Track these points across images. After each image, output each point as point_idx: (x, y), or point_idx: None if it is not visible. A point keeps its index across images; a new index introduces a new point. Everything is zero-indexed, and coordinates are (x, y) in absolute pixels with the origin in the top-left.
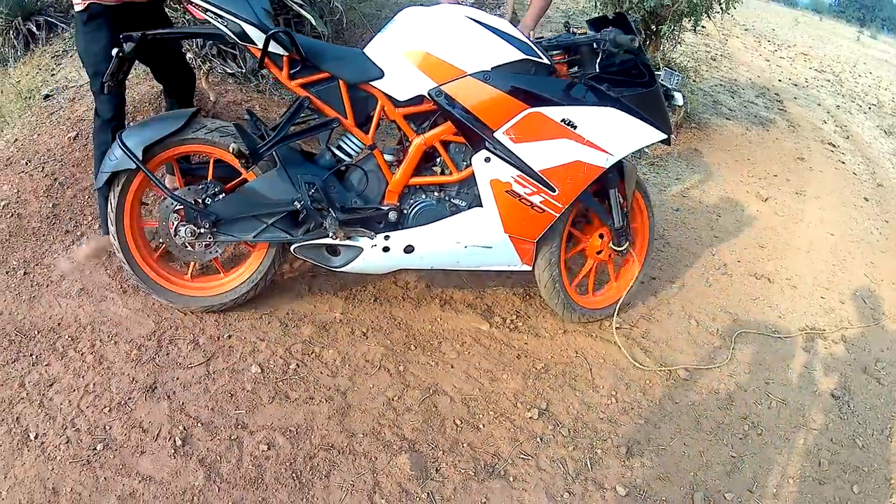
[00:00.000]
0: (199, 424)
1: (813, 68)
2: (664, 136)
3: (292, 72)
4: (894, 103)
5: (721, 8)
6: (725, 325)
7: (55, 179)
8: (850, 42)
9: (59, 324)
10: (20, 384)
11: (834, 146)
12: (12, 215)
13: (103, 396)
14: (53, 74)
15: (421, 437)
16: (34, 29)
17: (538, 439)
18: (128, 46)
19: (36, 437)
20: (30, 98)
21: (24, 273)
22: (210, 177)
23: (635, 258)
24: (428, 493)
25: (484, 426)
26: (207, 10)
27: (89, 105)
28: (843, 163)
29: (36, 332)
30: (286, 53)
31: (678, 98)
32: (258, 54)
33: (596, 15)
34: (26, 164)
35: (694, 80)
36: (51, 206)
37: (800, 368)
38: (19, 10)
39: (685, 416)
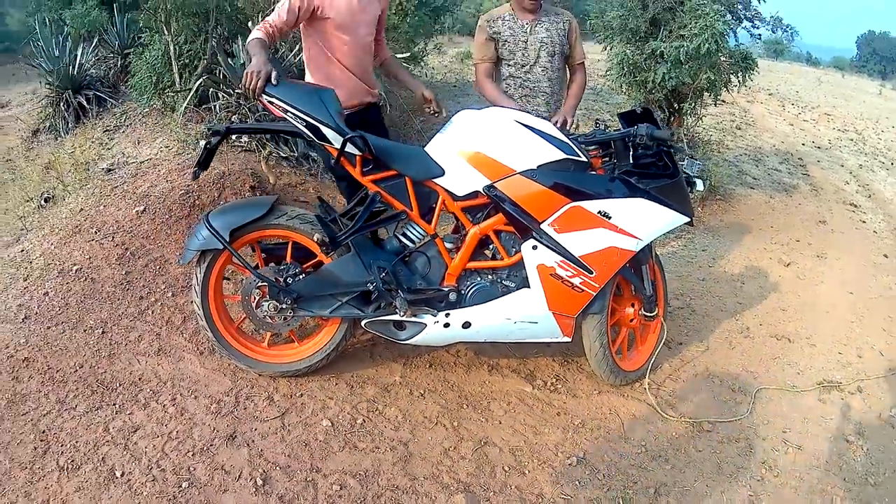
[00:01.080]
0: (277, 468)
1: (836, 128)
2: (687, 220)
3: (365, 169)
4: None
5: (739, 80)
6: (746, 382)
7: (126, 249)
8: (872, 97)
9: (139, 378)
10: (104, 429)
11: (855, 206)
12: (86, 279)
13: (186, 442)
14: (109, 148)
15: (474, 480)
16: (84, 102)
17: (577, 482)
18: (214, 139)
19: (122, 476)
20: (87, 169)
21: (102, 332)
22: (289, 258)
23: (662, 323)
24: None
25: (529, 472)
26: (287, 111)
27: (152, 181)
28: (864, 222)
29: (118, 385)
30: (360, 153)
31: (700, 185)
32: (334, 153)
33: (623, 107)
34: (95, 232)
35: (719, 152)
36: (123, 273)
37: (816, 418)
38: (69, 84)
39: (707, 462)
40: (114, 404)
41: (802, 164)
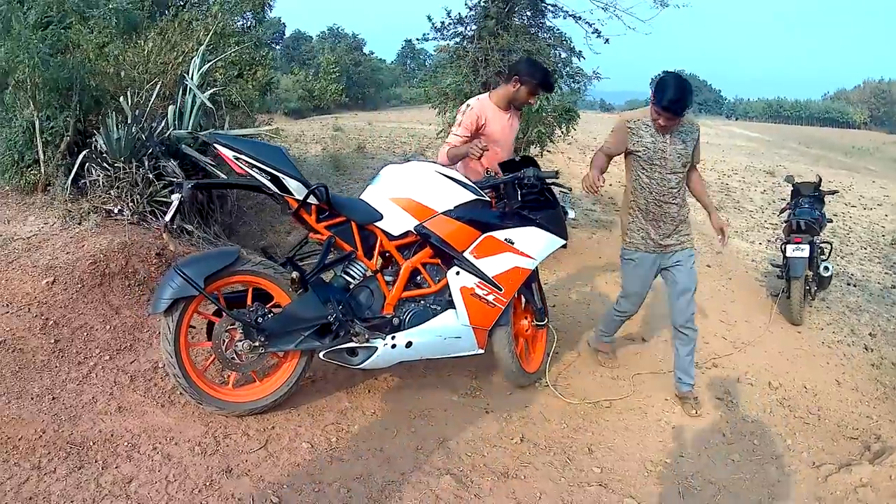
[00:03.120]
0: (284, 487)
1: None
2: (564, 242)
3: (320, 217)
4: (720, 181)
5: (563, 132)
6: (621, 371)
7: (46, 319)
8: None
9: (112, 435)
10: (97, 485)
11: None
12: (14, 350)
13: (186, 483)
14: None
15: (450, 466)
16: None
17: (526, 454)
18: (186, 193)
19: None
20: None
21: (53, 398)
22: (249, 302)
23: (551, 329)
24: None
25: (488, 454)
26: (253, 164)
27: (50, 254)
28: None
29: (91, 444)
30: (318, 203)
31: (571, 213)
32: (294, 204)
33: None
34: (8, 306)
35: None
36: (52, 341)
37: None
38: None
39: (618, 426)
40: (95, 461)
41: (614, 203)
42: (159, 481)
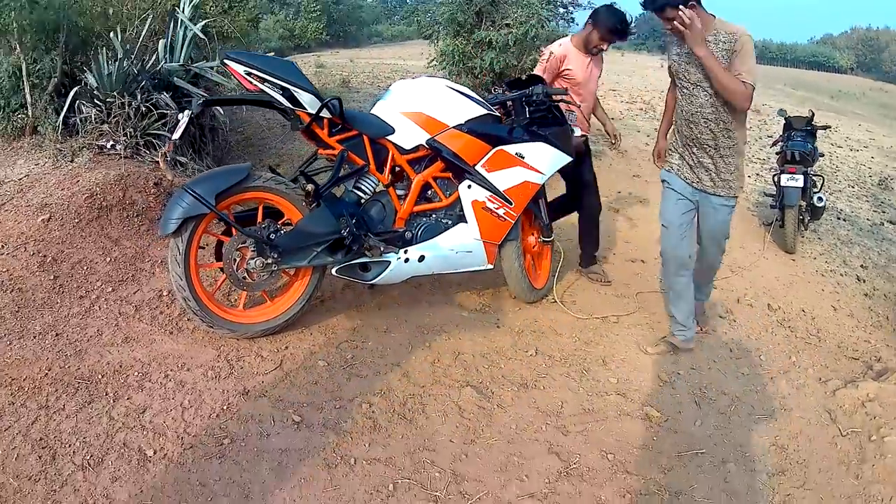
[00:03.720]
0: (304, 406)
1: (624, 101)
2: (570, 159)
3: (332, 131)
4: None
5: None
6: (623, 290)
7: (44, 256)
8: (654, 70)
9: (120, 366)
10: (109, 418)
11: None
12: (13, 290)
13: (203, 408)
14: None
15: (468, 378)
16: None
17: (542, 366)
18: (196, 108)
19: (156, 454)
20: None
21: (56, 335)
22: (260, 219)
23: (560, 247)
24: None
25: (504, 365)
26: (265, 79)
27: (44, 193)
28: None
29: (100, 377)
30: (330, 116)
31: (577, 131)
32: (306, 118)
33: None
34: (3, 246)
35: None
36: (51, 278)
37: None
38: None
39: (630, 339)
40: (105, 394)
41: (603, 134)
42: (174, 408)
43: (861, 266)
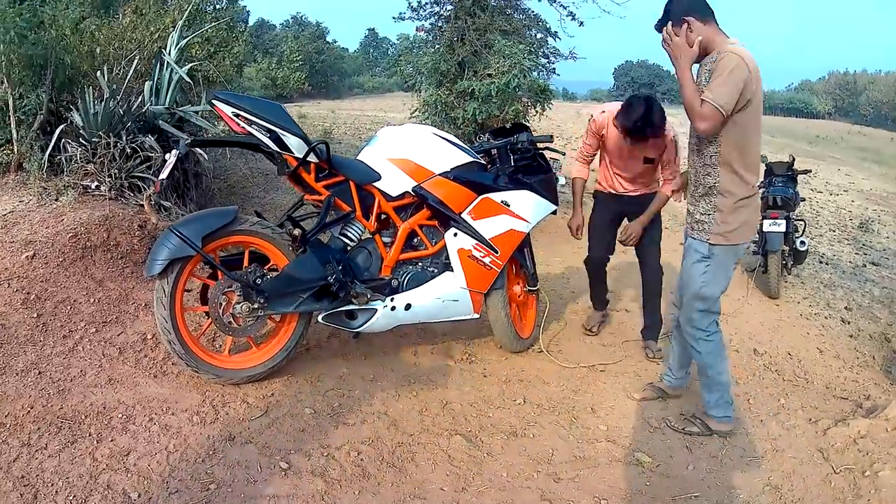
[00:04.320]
0: (291, 453)
1: None
2: (555, 208)
3: (319, 176)
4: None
5: (538, 111)
6: (610, 339)
7: (27, 294)
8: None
9: (104, 407)
10: (93, 459)
11: None
12: None
13: (188, 452)
14: None
15: (457, 427)
16: None
17: (530, 415)
18: (182, 149)
19: (140, 497)
20: None
21: (38, 373)
22: (246, 263)
23: (545, 296)
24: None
25: (493, 414)
26: (252, 121)
27: (29, 230)
28: None
29: (83, 417)
30: (317, 161)
31: (562, 180)
32: (293, 162)
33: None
34: None
35: None
36: (35, 316)
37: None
38: None
39: (617, 388)
40: (89, 435)
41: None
42: (159, 452)
43: (845, 308)
